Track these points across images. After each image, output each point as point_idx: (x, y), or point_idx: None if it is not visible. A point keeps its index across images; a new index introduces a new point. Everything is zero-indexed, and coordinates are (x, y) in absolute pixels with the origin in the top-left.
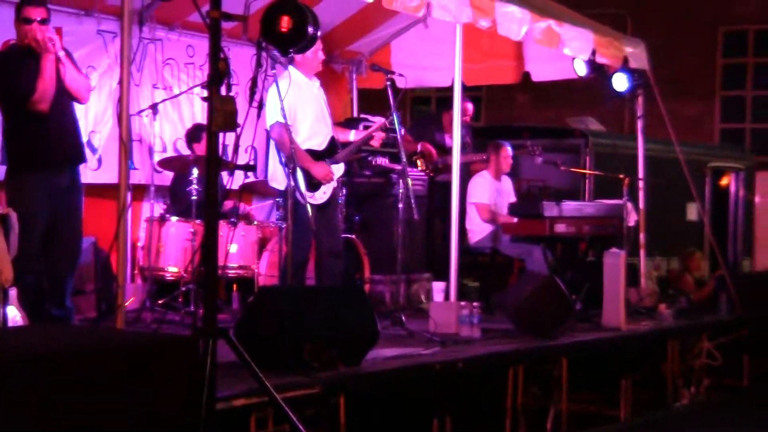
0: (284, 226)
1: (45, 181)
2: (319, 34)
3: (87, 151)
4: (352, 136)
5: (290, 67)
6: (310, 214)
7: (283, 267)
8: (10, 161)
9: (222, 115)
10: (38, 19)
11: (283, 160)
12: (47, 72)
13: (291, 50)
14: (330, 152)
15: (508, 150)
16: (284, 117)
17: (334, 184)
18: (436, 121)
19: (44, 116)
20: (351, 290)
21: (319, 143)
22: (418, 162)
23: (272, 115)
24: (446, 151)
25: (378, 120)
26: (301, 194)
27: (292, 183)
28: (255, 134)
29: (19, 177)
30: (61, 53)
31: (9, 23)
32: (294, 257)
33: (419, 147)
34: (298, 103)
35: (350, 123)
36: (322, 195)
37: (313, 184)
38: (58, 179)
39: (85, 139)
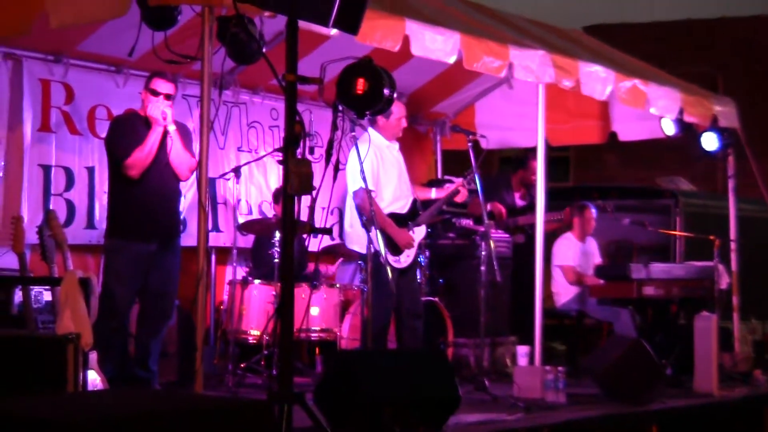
0: (366, 288)
1: (133, 247)
2: (395, 97)
3: None
4: (434, 194)
5: (370, 129)
6: (390, 276)
7: (364, 331)
8: (108, 223)
9: (298, 177)
10: (164, 92)
11: (363, 223)
12: (149, 142)
13: (367, 113)
14: (412, 215)
15: (593, 212)
16: (364, 180)
17: (416, 247)
18: (505, 181)
19: (140, 185)
20: (432, 354)
21: (402, 206)
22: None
23: (354, 179)
24: (516, 212)
25: (457, 180)
26: (384, 258)
27: (373, 246)
28: (331, 195)
29: (111, 240)
30: (172, 128)
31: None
32: (375, 321)
33: (488, 207)
34: (380, 168)
35: (434, 184)
36: (405, 258)
37: (396, 248)
38: (147, 246)
39: None
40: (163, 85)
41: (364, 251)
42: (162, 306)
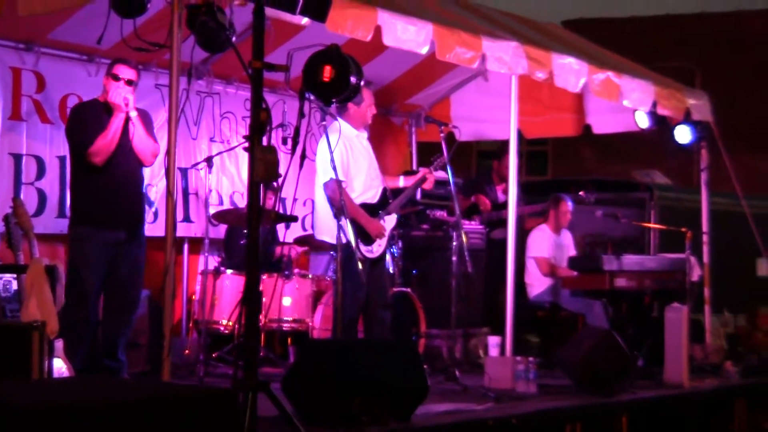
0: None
1: (100, 235)
2: (362, 84)
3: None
4: (401, 182)
5: (339, 119)
6: (361, 267)
7: (336, 321)
8: (71, 212)
9: (263, 164)
10: (125, 78)
11: (334, 213)
12: (112, 129)
13: (333, 100)
14: (383, 204)
15: (569, 204)
16: (335, 171)
17: (387, 237)
18: (486, 178)
19: (105, 172)
20: (401, 344)
21: (372, 196)
22: (475, 216)
23: (324, 170)
24: (498, 206)
25: (424, 168)
26: (357, 248)
27: (343, 237)
28: (297, 184)
29: (76, 229)
30: (134, 114)
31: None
32: (345, 312)
33: (473, 198)
34: (350, 158)
35: (409, 175)
36: (377, 248)
37: (368, 238)
38: (115, 234)
39: None
40: (124, 71)
41: (334, 242)
42: (130, 296)
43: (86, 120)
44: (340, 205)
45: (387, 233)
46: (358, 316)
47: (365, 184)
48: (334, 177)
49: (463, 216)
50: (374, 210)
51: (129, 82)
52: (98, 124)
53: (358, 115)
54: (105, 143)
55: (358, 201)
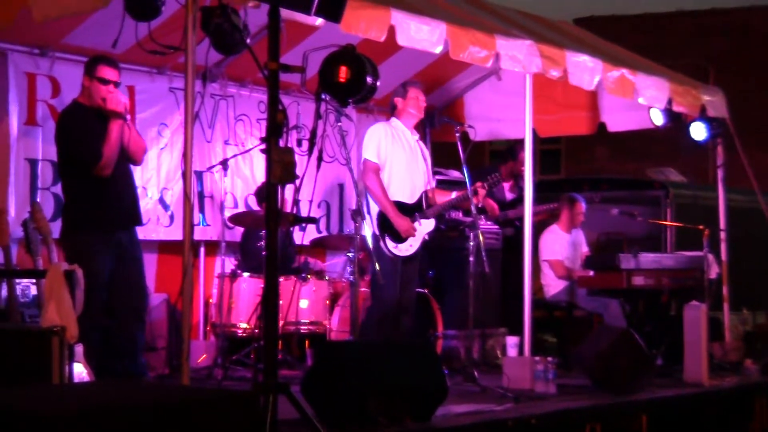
0: (362, 279)
1: (104, 239)
2: (411, 82)
3: (159, 207)
4: (454, 196)
5: (393, 118)
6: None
7: (364, 321)
8: (68, 220)
9: (280, 166)
10: (113, 81)
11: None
12: (114, 137)
13: (349, 100)
14: (420, 207)
15: (582, 205)
16: (378, 157)
17: (421, 240)
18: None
19: (106, 180)
20: (419, 345)
21: (410, 196)
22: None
23: (366, 151)
24: (506, 206)
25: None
26: (384, 243)
27: (364, 228)
28: (315, 187)
29: (78, 236)
30: (127, 117)
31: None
32: (376, 307)
33: (481, 203)
34: (389, 147)
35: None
36: (407, 248)
37: (398, 236)
38: (115, 237)
39: (157, 196)
40: (110, 73)
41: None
42: (139, 297)
43: (84, 130)
44: (363, 187)
45: (418, 234)
46: (390, 312)
47: (400, 180)
48: (371, 159)
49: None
50: (410, 210)
51: (116, 85)
52: (95, 132)
53: (406, 108)
54: (112, 154)
55: (392, 197)
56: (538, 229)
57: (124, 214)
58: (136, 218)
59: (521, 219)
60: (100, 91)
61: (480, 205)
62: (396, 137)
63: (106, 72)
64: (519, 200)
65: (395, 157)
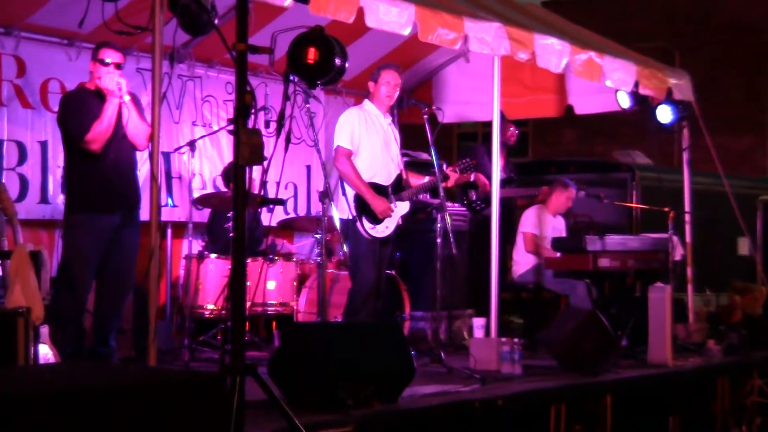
0: (330, 260)
1: (96, 221)
2: (387, 65)
3: None
4: (427, 180)
5: (366, 101)
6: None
7: (347, 306)
8: (66, 199)
9: (248, 147)
10: (114, 62)
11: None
12: (107, 115)
13: (318, 82)
14: (396, 189)
15: (573, 191)
16: (352, 143)
17: (396, 221)
18: (488, 153)
19: (100, 158)
20: (386, 327)
21: (386, 178)
22: (472, 193)
23: (339, 137)
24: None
25: (447, 168)
26: (360, 224)
27: (331, 210)
28: (282, 168)
29: (72, 215)
30: (127, 98)
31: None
32: (355, 291)
33: (472, 177)
34: (362, 131)
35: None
36: (384, 229)
37: (375, 217)
38: (110, 219)
39: None
40: (111, 54)
41: (341, 216)
42: (123, 282)
43: (79, 108)
44: (332, 170)
45: (394, 215)
46: (371, 293)
47: (374, 162)
48: (341, 145)
49: (459, 191)
50: (385, 191)
51: (117, 66)
52: (91, 112)
53: (377, 92)
54: (101, 130)
55: (366, 178)
56: (520, 210)
57: (117, 197)
58: (131, 199)
59: (507, 199)
60: (99, 71)
61: (473, 180)
62: (369, 122)
63: (106, 53)
64: (508, 180)
65: (370, 141)
